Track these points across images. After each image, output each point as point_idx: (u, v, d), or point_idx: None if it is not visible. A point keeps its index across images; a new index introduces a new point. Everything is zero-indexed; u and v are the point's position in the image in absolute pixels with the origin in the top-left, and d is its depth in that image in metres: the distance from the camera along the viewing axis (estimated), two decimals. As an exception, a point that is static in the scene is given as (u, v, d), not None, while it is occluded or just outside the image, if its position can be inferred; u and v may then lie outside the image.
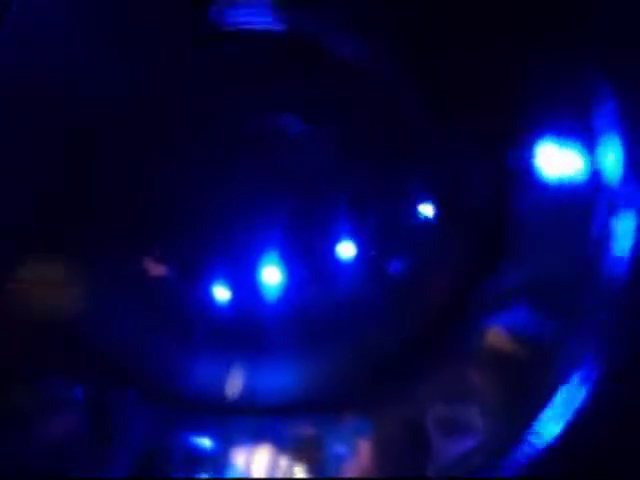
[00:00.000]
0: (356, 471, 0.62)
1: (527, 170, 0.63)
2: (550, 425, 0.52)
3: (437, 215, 0.67)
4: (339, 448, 0.63)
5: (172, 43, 0.63)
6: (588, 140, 0.57)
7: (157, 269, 0.67)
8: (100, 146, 0.63)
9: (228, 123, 0.66)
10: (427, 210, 0.67)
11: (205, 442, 0.66)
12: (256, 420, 0.66)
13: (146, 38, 0.62)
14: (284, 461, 0.64)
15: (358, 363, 0.66)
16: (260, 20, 0.65)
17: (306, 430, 0.65)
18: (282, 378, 0.68)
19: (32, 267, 0.63)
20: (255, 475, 0.63)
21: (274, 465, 0.64)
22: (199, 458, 0.65)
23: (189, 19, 0.63)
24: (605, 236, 0.54)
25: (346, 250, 0.69)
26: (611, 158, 0.55)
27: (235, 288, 0.68)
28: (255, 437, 0.65)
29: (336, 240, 0.69)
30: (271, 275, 0.69)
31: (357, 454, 0.62)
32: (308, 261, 0.69)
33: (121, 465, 0.60)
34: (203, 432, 0.66)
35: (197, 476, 0.64)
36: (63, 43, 0.58)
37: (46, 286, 0.63)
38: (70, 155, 0.62)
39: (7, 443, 0.55)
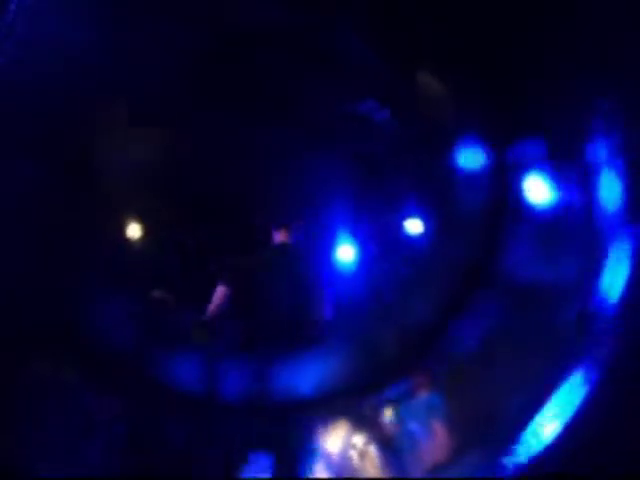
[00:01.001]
0: (430, 448, 0.61)
1: (527, 170, 0.64)
2: (550, 424, 0.51)
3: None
4: (413, 425, 0.63)
5: (179, 44, 0.65)
6: (587, 139, 0.55)
7: (281, 236, 0.70)
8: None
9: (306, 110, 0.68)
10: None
11: (284, 421, 0.67)
12: (332, 399, 0.67)
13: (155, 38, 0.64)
14: (359, 439, 0.64)
15: (428, 343, 0.66)
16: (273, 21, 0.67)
17: (381, 408, 0.65)
18: (356, 357, 0.69)
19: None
20: (331, 452, 0.64)
21: (349, 443, 0.64)
22: (278, 436, 0.66)
23: (199, 21, 0.65)
24: (604, 238, 0.53)
25: (415, 227, 0.70)
26: (609, 159, 0.54)
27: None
28: (331, 415, 0.66)
29: (404, 219, 0.70)
30: (346, 253, 0.70)
31: (431, 432, 0.62)
32: (379, 240, 0.69)
33: (215, 464, 0.62)
34: (282, 412, 0.67)
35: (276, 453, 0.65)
36: (67, 44, 0.60)
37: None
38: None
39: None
